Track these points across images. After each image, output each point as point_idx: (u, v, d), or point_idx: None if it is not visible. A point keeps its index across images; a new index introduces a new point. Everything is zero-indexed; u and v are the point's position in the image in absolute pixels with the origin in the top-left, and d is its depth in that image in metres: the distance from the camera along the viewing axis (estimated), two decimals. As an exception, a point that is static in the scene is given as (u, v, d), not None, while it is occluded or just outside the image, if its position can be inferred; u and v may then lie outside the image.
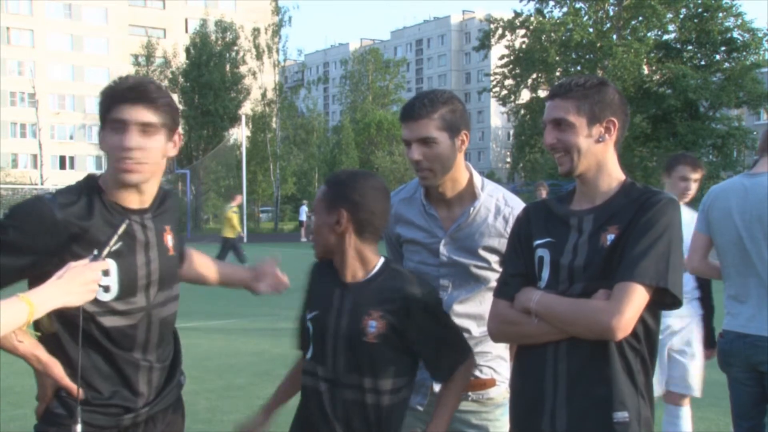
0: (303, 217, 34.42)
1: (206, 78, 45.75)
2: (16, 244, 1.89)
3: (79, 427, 1.95)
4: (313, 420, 2.16)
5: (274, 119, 46.72)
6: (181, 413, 2.27)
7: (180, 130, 2.11)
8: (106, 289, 1.97)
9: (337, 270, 2.20)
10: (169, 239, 2.14)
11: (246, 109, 46.86)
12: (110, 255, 1.91)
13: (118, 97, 1.99)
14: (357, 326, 2.12)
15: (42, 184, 51.61)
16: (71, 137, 66.65)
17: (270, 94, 46.58)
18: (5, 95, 63.96)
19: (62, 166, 65.77)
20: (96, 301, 1.92)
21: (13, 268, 1.90)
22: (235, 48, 47.97)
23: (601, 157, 2.04)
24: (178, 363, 2.24)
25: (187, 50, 47.83)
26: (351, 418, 2.11)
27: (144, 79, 2.05)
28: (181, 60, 49.35)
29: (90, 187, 2.05)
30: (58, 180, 53.67)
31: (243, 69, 47.90)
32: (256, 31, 46.79)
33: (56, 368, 1.98)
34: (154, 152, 2.00)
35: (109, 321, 2.00)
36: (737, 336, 3.18)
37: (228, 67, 47.33)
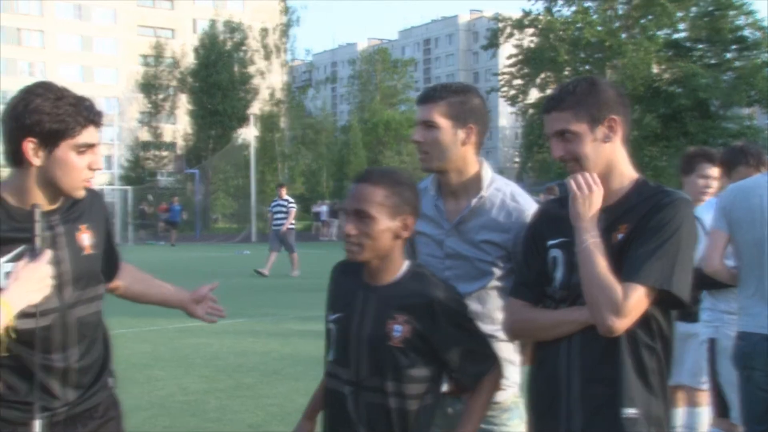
0: (324, 216, 34.48)
1: (215, 78, 45.83)
2: None
3: None
4: (337, 422, 2.13)
5: (282, 119, 46.77)
6: (114, 416, 2.21)
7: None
8: None
9: (363, 271, 2.15)
10: (84, 238, 2.11)
11: (254, 109, 46.91)
12: (13, 259, 1.90)
13: None
14: (381, 330, 2.08)
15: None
16: (81, 137, 66.86)
17: (278, 94, 46.63)
18: (16, 96, 64.33)
19: (72, 166, 65.92)
20: None
21: None
22: (244, 48, 48.04)
23: (611, 156, 2.04)
24: (106, 364, 2.20)
25: (196, 50, 47.95)
26: (374, 422, 2.08)
27: None
28: (189, 60, 49.46)
29: None
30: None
31: (251, 69, 47.97)
32: (264, 32, 46.87)
33: None
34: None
35: (21, 323, 1.94)
36: (762, 338, 3.04)
37: (236, 68, 47.40)
